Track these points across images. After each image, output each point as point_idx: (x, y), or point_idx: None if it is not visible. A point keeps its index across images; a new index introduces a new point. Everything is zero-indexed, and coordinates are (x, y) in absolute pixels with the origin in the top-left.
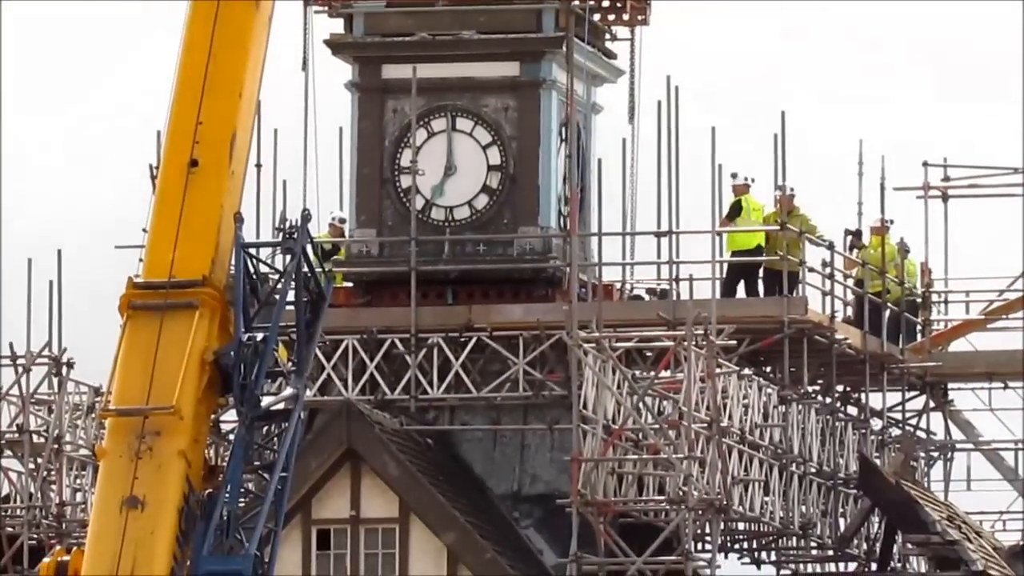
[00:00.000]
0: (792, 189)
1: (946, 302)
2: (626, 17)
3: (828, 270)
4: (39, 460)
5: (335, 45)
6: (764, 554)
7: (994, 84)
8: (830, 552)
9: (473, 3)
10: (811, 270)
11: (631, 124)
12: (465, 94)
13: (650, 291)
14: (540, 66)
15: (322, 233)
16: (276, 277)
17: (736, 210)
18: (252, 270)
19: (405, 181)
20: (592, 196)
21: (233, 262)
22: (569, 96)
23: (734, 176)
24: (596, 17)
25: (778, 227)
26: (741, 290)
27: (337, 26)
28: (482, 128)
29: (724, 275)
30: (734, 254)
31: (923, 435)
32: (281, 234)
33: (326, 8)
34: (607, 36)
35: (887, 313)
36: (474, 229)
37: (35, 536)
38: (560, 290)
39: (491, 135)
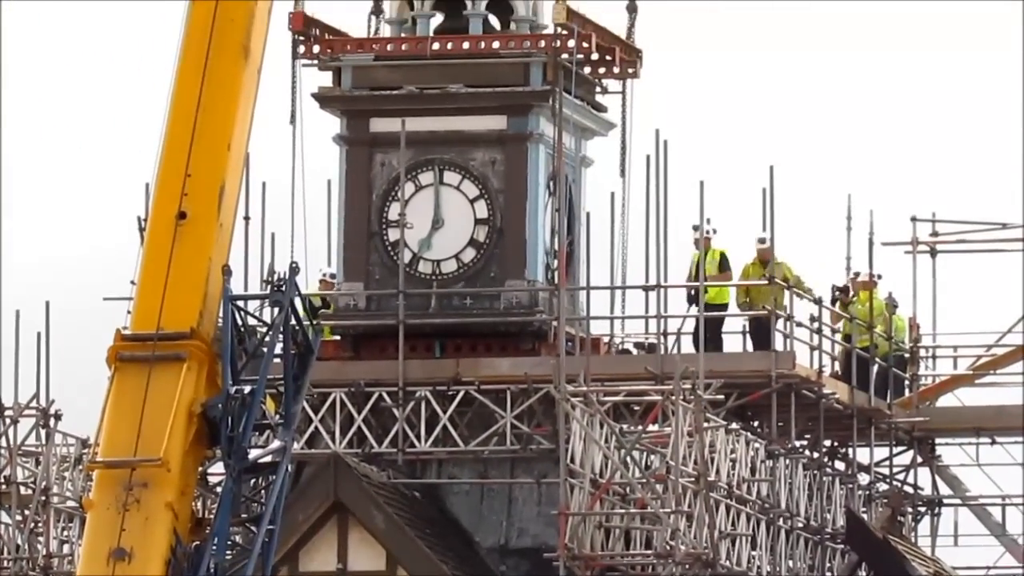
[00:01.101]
0: (766, 240)
1: (934, 357)
2: (616, 70)
3: (816, 325)
4: (26, 512)
5: (323, 98)
6: None
7: (983, 138)
8: None
9: (461, 57)
10: (799, 324)
11: (622, 177)
12: (452, 147)
13: (638, 345)
14: (528, 119)
15: (313, 289)
16: (264, 330)
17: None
18: (240, 322)
19: (393, 234)
20: (580, 249)
21: (221, 314)
22: (557, 149)
23: (696, 228)
24: (586, 70)
25: (766, 281)
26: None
27: (326, 79)
28: (469, 182)
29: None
30: (709, 307)
31: (911, 490)
32: (269, 287)
33: (315, 61)
34: (597, 89)
35: (875, 368)
36: (461, 282)
37: None
38: (546, 343)
39: (478, 188)
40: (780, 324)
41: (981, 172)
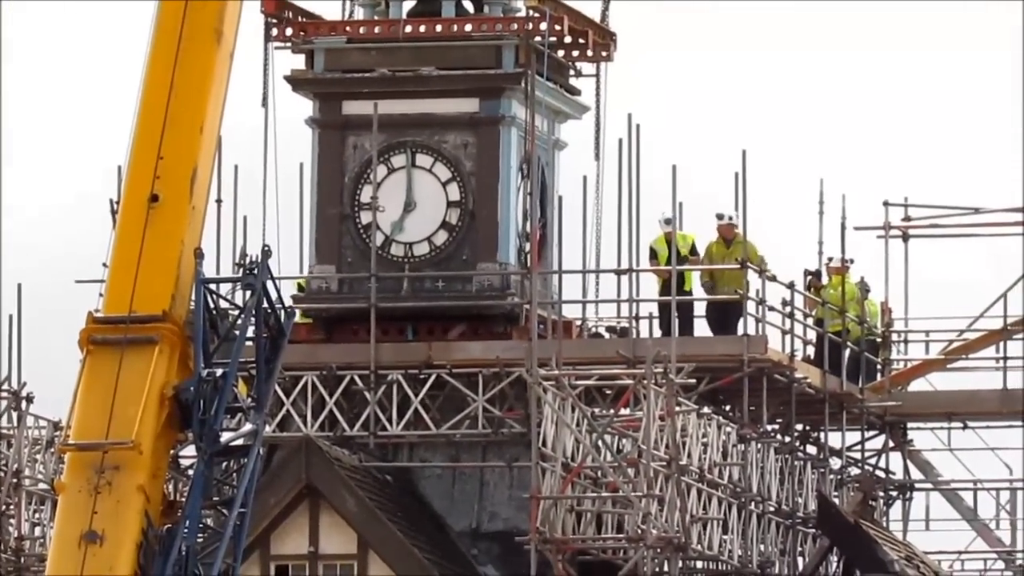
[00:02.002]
0: (731, 217)
1: (906, 342)
2: (590, 53)
3: (788, 309)
4: None
5: (296, 81)
6: None
7: (955, 123)
8: None
9: (433, 40)
10: (771, 309)
11: (596, 161)
12: (425, 130)
13: (610, 329)
14: (500, 102)
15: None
16: (236, 313)
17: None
18: (212, 306)
19: (365, 217)
20: (553, 233)
21: (193, 297)
22: (529, 132)
23: (668, 223)
24: (560, 53)
25: (738, 266)
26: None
27: (298, 62)
28: (442, 164)
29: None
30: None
31: (882, 474)
32: (241, 270)
33: (287, 44)
34: (571, 72)
35: (847, 352)
36: (433, 265)
37: None
38: (518, 327)
39: (451, 171)
40: (752, 308)
41: (953, 157)
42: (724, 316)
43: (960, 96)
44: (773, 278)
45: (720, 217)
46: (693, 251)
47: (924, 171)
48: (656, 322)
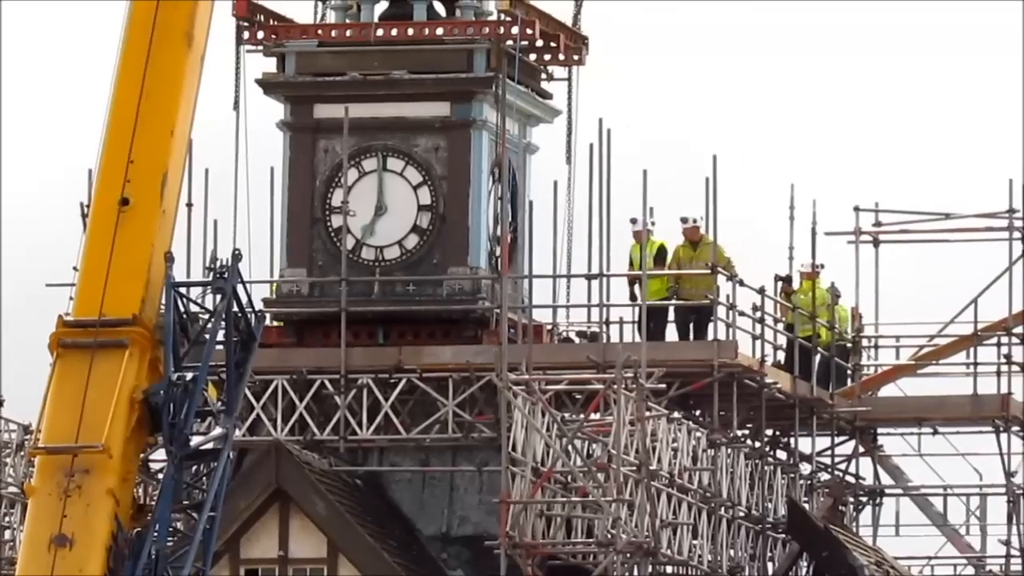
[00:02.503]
0: (695, 220)
1: (876, 347)
2: (561, 57)
3: (759, 314)
4: None
5: (267, 84)
6: None
7: (925, 129)
8: None
9: (404, 43)
10: (742, 314)
11: (568, 165)
12: (396, 134)
13: (580, 334)
14: (471, 106)
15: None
16: (206, 317)
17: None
18: (182, 309)
19: (336, 221)
20: (524, 237)
21: (163, 301)
22: (501, 136)
23: (633, 221)
24: (531, 57)
25: (708, 271)
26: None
27: (270, 65)
28: (413, 168)
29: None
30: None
31: (852, 480)
32: (212, 274)
33: (259, 48)
34: (543, 76)
35: (817, 358)
36: (404, 269)
37: None
38: (488, 331)
39: (422, 175)
40: (722, 313)
41: (924, 163)
42: (691, 320)
43: (930, 102)
44: (741, 282)
45: (684, 220)
46: (660, 256)
47: (895, 177)
48: (628, 327)
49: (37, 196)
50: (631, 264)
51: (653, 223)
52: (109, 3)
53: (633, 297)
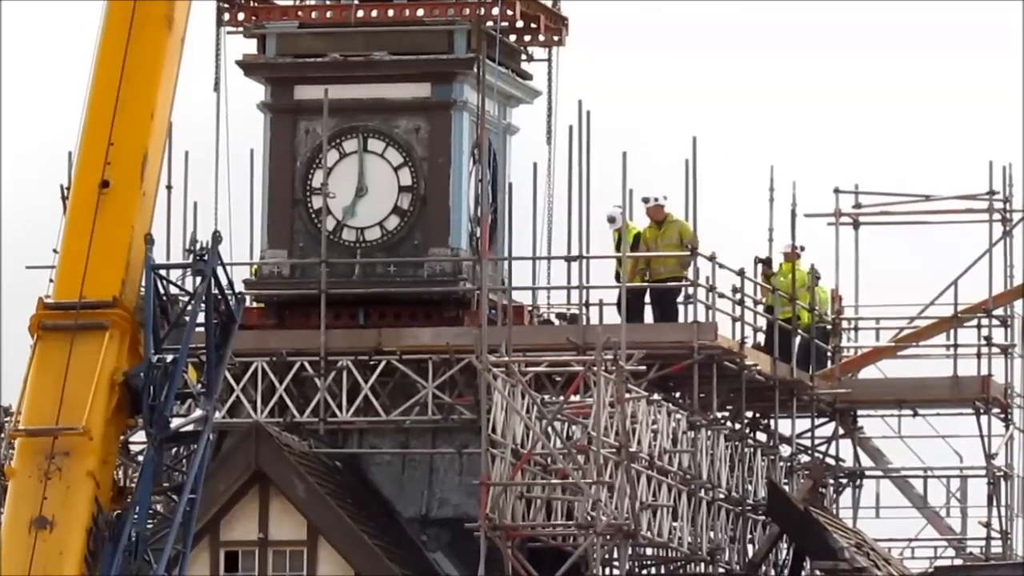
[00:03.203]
0: (656, 199)
1: (856, 329)
2: (541, 38)
3: (738, 296)
4: None
5: (248, 66)
6: None
7: (905, 110)
8: None
9: (385, 24)
10: (721, 296)
11: (548, 146)
12: (377, 115)
13: (560, 316)
14: (452, 87)
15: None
16: (186, 299)
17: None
18: (162, 291)
19: (317, 202)
20: (504, 218)
21: (143, 283)
22: (480, 118)
23: (611, 220)
24: (511, 38)
25: (688, 253)
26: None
27: (250, 47)
28: (393, 149)
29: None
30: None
31: (832, 462)
32: (192, 256)
33: (239, 29)
34: (523, 57)
35: (797, 340)
36: (385, 250)
37: None
38: (470, 312)
39: (402, 156)
40: (701, 294)
41: (904, 144)
42: (664, 301)
43: (909, 83)
44: (712, 258)
45: (647, 200)
46: (637, 244)
47: (875, 158)
48: (608, 309)
49: (18, 176)
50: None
51: (612, 217)
52: None
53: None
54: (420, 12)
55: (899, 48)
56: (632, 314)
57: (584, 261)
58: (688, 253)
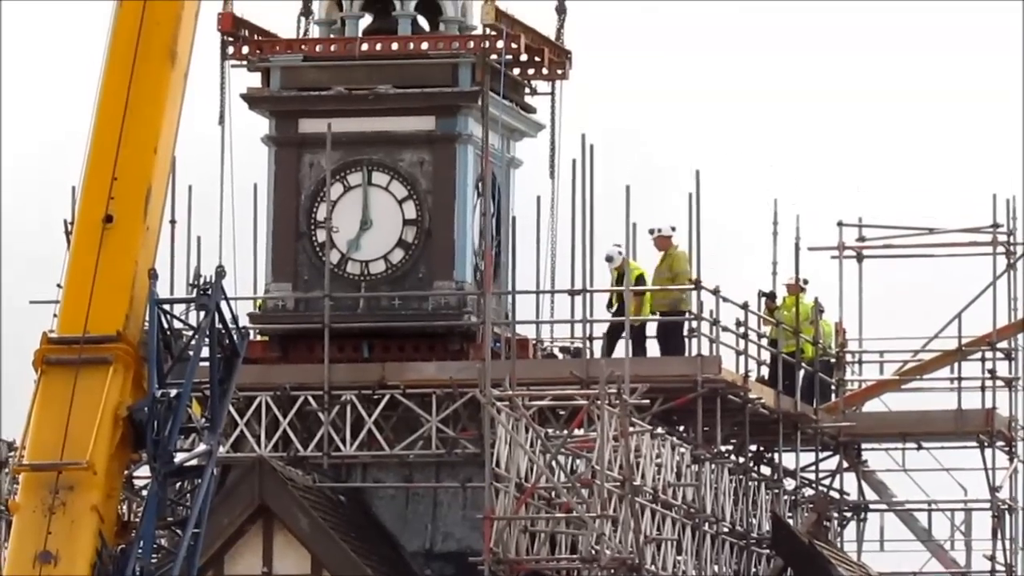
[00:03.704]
0: (660, 230)
1: (860, 362)
2: (545, 71)
3: (742, 329)
4: None
5: (252, 99)
6: None
7: (909, 143)
8: None
9: (389, 58)
10: (725, 329)
11: (552, 179)
12: (381, 148)
13: (564, 349)
14: (456, 120)
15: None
16: (190, 333)
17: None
18: (166, 326)
19: (321, 235)
20: (507, 251)
21: (147, 318)
22: (484, 151)
23: (609, 260)
24: (515, 71)
25: (692, 287)
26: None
27: (254, 80)
28: (398, 182)
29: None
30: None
31: (836, 495)
32: (195, 290)
33: (244, 62)
34: (527, 90)
35: (801, 373)
36: (390, 283)
37: None
38: (475, 345)
39: (407, 189)
40: (705, 328)
41: (907, 177)
42: (666, 333)
43: (913, 117)
44: (716, 291)
45: (652, 232)
46: (640, 284)
47: (878, 192)
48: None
49: (21, 212)
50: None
51: (610, 256)
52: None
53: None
54: (424, 45)
55: (903, 82)
56: (612, 342)
57: (587, 295)
58: (690, 287)
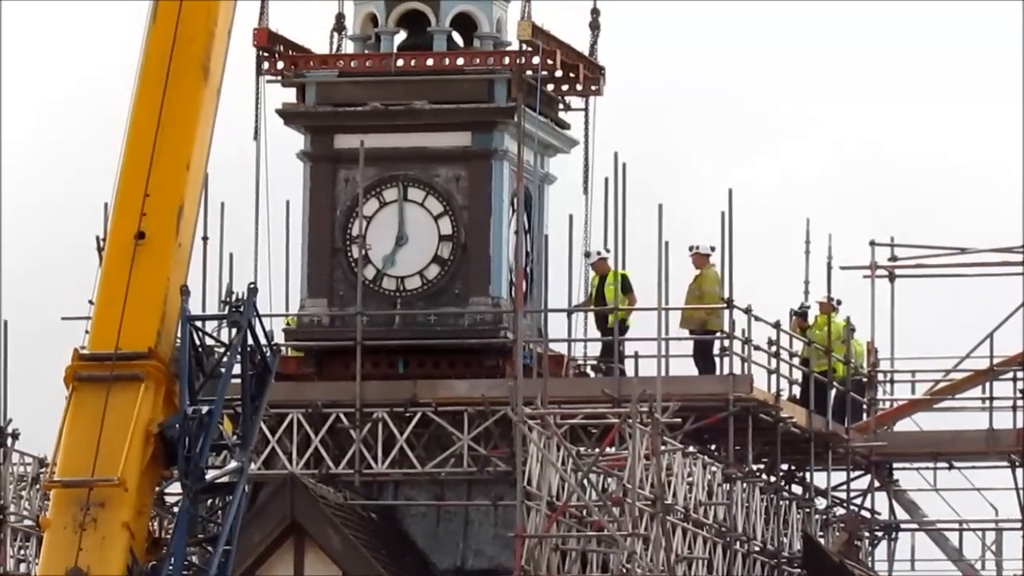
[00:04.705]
0: (699, 248)
1: (892, 382)
2: (579, 87)
3: (774, 348)
4: None
5: (287, 115)
6: None
7: (941, 163)
8: None
9: (425, 73)
10: (757, 348)
11: (585, 195)
12: (417, 164)
13: (595, 367)
14: (492, 136)
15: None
16: (222, 350)
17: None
18: (198, 343)
19: (356, 251)
20: (541, 268)
21: (179, 335)
22: (519, 167)
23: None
24: (550, 87)
25: (724, 305)
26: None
27: (290, 96)
28: (434, 198)
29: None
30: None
31: (868, 515)
32: (228, 307)
33: (279, 78)
34: (560, 106)
35: (832, 392)
36: (425, 299)
37: None
38: (511, 361)
39: (443, 205)
40: (737, 347)
41: (940, 197)
42: (699, 351)
43: (947, 136)
44: (748, 310)
45: (691, 248)
46: (626, 286)
47: (911, 211)
48: (644, 361)
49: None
50: (589, 296)
51: (608, 251)
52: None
53: (602, 330)
54: (460, 61)
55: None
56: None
57: (619, 313)
58: (722, 306)
